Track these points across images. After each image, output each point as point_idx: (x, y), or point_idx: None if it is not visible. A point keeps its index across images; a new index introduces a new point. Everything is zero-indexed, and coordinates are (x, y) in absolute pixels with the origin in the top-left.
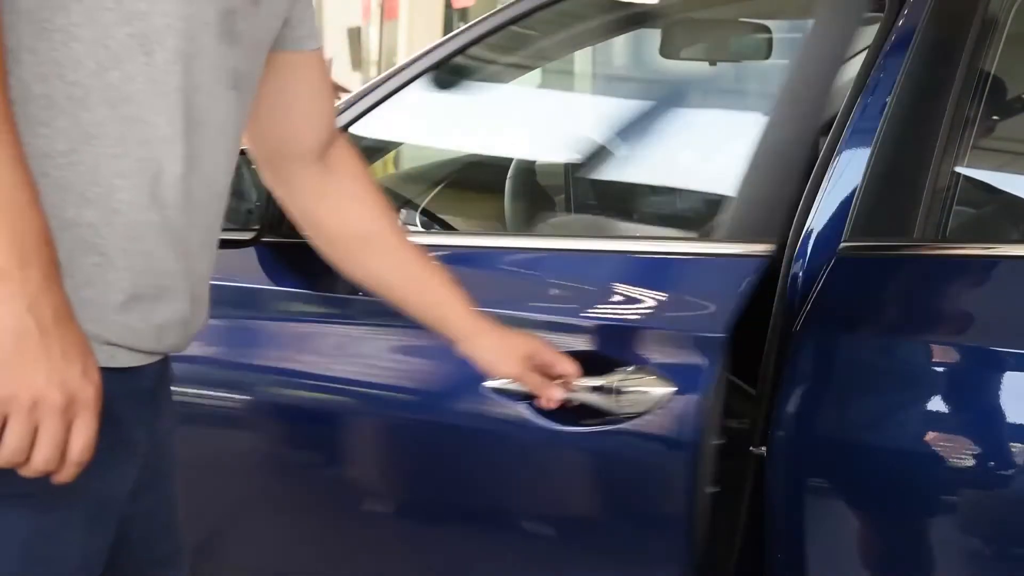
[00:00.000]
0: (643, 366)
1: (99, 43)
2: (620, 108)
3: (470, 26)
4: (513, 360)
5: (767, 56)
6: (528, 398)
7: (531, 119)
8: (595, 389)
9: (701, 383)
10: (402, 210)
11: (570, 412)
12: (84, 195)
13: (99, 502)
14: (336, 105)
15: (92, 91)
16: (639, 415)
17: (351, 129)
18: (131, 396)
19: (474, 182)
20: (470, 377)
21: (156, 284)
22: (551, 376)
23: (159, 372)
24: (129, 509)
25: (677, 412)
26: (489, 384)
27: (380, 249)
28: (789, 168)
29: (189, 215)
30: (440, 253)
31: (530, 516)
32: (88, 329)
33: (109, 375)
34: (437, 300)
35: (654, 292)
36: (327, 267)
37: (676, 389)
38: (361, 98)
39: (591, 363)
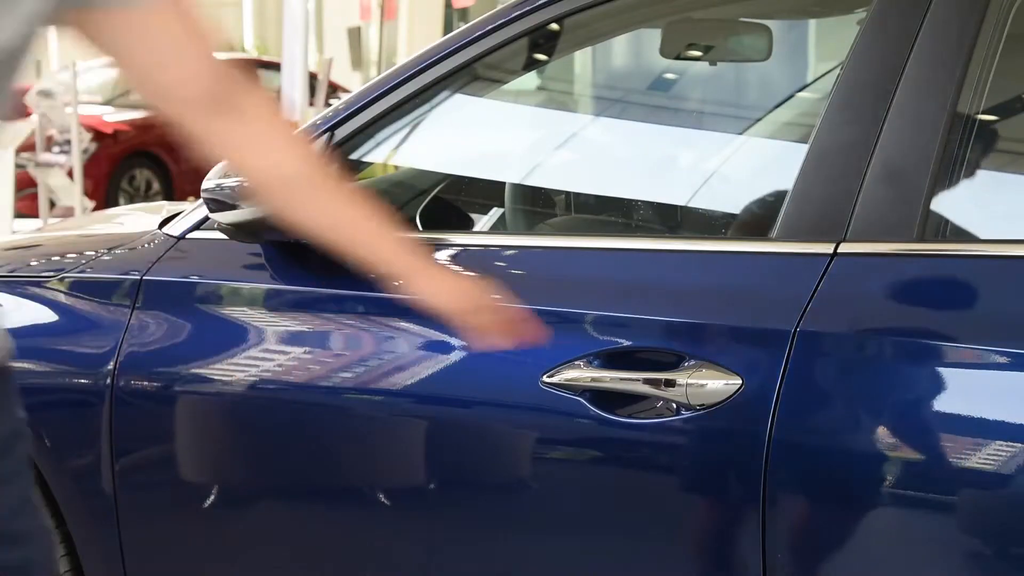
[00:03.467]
0: (709, 360)
1: None
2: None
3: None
4: (441, 297)
5: (767, 56)
6: (586, 392)
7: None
8: (665, 384)
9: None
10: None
11: (636, 407)
12: None
13: None
14: (334, 106)
15: None
16: (707, 408)
17: (346, 144)
18: None
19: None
20: (526, 372)
21: None
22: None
23: None
24: None
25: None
26: (548, 379)
27: (302, 195)
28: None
29: None
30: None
31: (588, 513)
32: None
33: None
34: (366, 243)
35: (720, 289)
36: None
37: (742, 383)
38: (354, 108)
39: (660, 359)
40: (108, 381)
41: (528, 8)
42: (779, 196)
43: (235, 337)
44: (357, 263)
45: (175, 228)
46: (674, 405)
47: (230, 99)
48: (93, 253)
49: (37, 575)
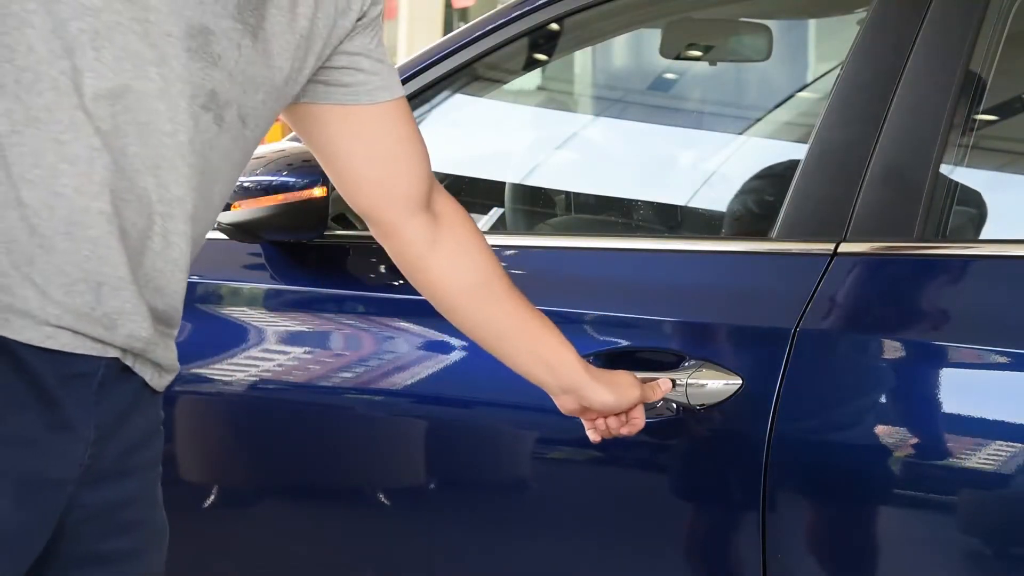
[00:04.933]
0: (709, 360)
1: (53, 33)
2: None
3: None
4: (630, 394)
5: (767, 56)
6: None
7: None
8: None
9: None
10: None
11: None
12: (25, 176)
13: (29, 479)
14: None
15: (42, 77)
16: (707, 408)
17: None
18: (72, 381)
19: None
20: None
21: (102, 271)
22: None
23: (117, 366)
24: (79, 498)
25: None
26: None
27: (491, 298)
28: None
29: (142, 214)
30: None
31: (588, 512)
32: (27, 308)
33: (44, 355)
34: (548, 348)
35: (720, 289)
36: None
37: (742, 383)
38: None
39: (660, 359)
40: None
41: (528, 8)
42: (779, 196)
43: (235, 337)
44: (520, 369)
45: None
46: (674, 405)
47: (435, 200)
48: None
49: (146, 565)
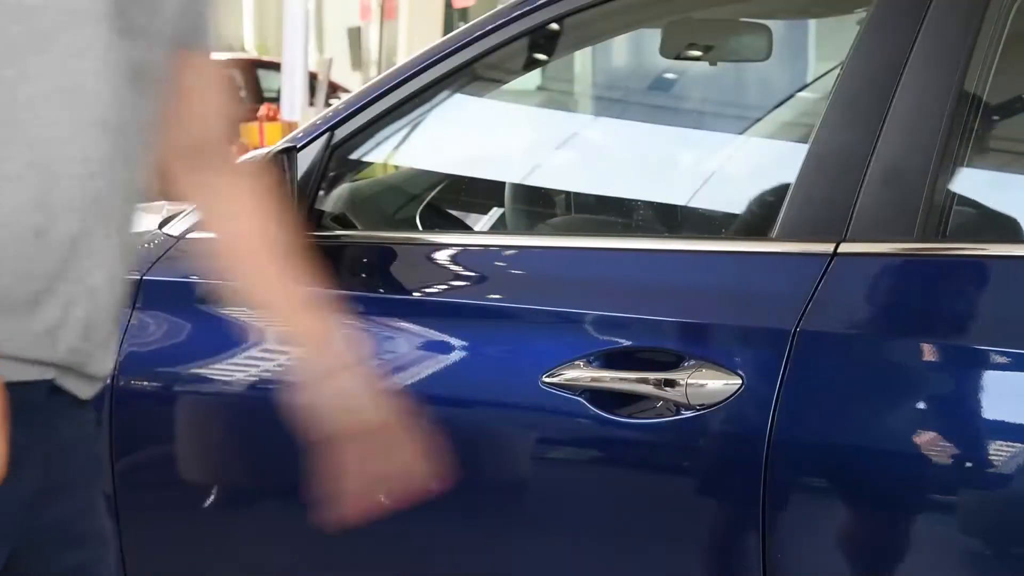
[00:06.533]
0: (708, 360)
1: None
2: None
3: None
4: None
5: (767, 56)
6: (586, 392)
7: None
8: (665, 384)
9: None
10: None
11: (636, 407)
12: None
13: None
14: (334, 106)
15: None
16: (707, 408)
17: (346, 144)
18: (20, 410)
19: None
20: (526, 372)
21: (37, 289)
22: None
23: (50, 387)
24: (30, 521)
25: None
26: (548, 379)
27: (256, 263)
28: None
29: (85, 218)
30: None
31: (588, 513)
32: None
33: None
34: (277, 299)
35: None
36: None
37: (742, 383)
38: (354, 108)
39: (659, 359)
40: (108, 381)
41: (528, 8)
42: (779, 196)
43: (235, 337)
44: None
45: (175, 228)
46: (674, 405)
47: (224, 151)
48: None
49: (102, 574)
